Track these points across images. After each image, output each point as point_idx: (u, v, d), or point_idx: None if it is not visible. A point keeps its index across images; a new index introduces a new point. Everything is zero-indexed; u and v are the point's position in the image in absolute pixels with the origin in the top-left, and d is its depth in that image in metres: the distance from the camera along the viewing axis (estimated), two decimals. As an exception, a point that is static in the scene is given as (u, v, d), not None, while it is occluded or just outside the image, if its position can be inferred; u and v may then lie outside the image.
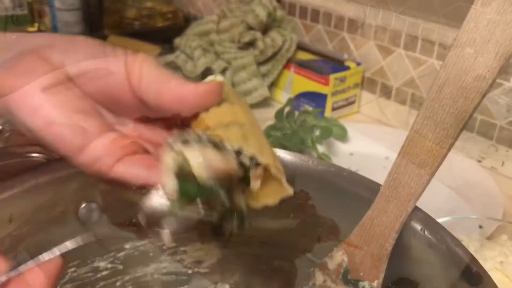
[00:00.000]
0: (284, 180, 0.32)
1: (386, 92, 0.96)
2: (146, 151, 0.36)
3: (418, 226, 0.38)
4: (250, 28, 1.01)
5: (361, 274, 0.41)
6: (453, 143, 0.36)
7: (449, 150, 0.37)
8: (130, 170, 0.33)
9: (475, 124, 0.84)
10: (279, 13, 1.02)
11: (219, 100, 0.34)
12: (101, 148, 0.33)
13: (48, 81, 0.32)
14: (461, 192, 0.74)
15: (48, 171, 0.43)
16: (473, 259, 0.34)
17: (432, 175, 0.37)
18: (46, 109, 0.32)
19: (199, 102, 0.33)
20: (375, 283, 0.40)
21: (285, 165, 0.46)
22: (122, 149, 0.34)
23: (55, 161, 0.46)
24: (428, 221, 0.38)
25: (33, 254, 0.46)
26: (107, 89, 0.33)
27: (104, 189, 0.46)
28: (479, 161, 0.83)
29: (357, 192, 0.43)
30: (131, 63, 0.33)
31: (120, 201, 0.47)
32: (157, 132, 0.38)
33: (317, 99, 0.95)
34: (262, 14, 0.99)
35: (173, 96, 0.33)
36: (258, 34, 1.00)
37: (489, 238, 0.57)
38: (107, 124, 0.35)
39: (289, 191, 0.32)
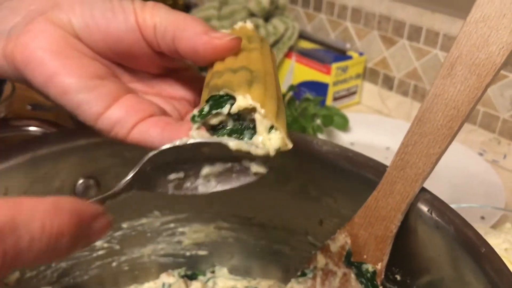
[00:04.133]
0: (283, 132, 0.29)
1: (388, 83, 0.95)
2: (163, 112, 0.35)
3: (424, 208, 0.37)
4: (252, 14, 1.00)
5: (365, 256, 0.40)
6: (464, 121, 0.35)
7: (459, 129, 0.35)
8: (145, 135, 0.32)
9: (477, 116, 0.83)
10: (282, 0, 1.01)
11: (235, 52, 0.33)
12: (117, 115, 0.32)
13: (60, 46, 0.31)
14: (463, 185, 0.73)
15: (45, 145, 0.42)
16: (482, 240, 0.33)
17: (441, 154, 0.36)
18: (60, 77, 0.31)
19: (213, 56, 0.33)
20: (378, 266, 0.39)
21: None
22: (137, 113, 0.33)
23: (53, 135, 0.45)
24: (436, 202, 0.37)
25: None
26: (118, 45, 0.33)
27: (103, 165, 0.45)
28: (481, 154, 0.82)
29: (362, 173, 0.42)
30: (141, 15, 0.32)
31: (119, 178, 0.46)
32: (176, 86, 0.37)
33: (319, 88, 0.94)
34: (265, 0, 0.98)
35: (188, 47, 0.32)
36: (260, 21, 0.98)
37: (492, 228, 0.56)
38: (124, 86, 0.34)
39: (289, 145, 0.30)
